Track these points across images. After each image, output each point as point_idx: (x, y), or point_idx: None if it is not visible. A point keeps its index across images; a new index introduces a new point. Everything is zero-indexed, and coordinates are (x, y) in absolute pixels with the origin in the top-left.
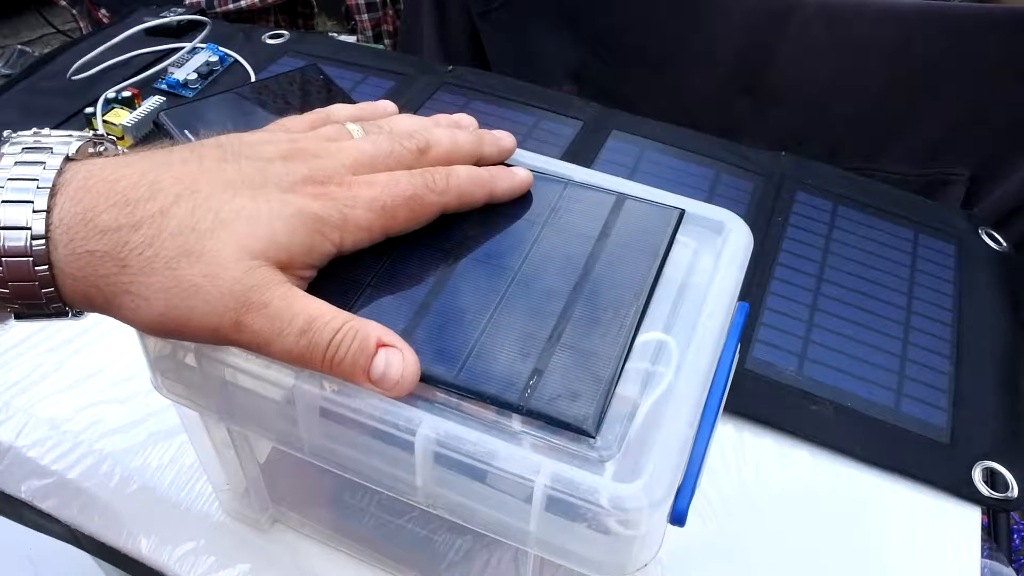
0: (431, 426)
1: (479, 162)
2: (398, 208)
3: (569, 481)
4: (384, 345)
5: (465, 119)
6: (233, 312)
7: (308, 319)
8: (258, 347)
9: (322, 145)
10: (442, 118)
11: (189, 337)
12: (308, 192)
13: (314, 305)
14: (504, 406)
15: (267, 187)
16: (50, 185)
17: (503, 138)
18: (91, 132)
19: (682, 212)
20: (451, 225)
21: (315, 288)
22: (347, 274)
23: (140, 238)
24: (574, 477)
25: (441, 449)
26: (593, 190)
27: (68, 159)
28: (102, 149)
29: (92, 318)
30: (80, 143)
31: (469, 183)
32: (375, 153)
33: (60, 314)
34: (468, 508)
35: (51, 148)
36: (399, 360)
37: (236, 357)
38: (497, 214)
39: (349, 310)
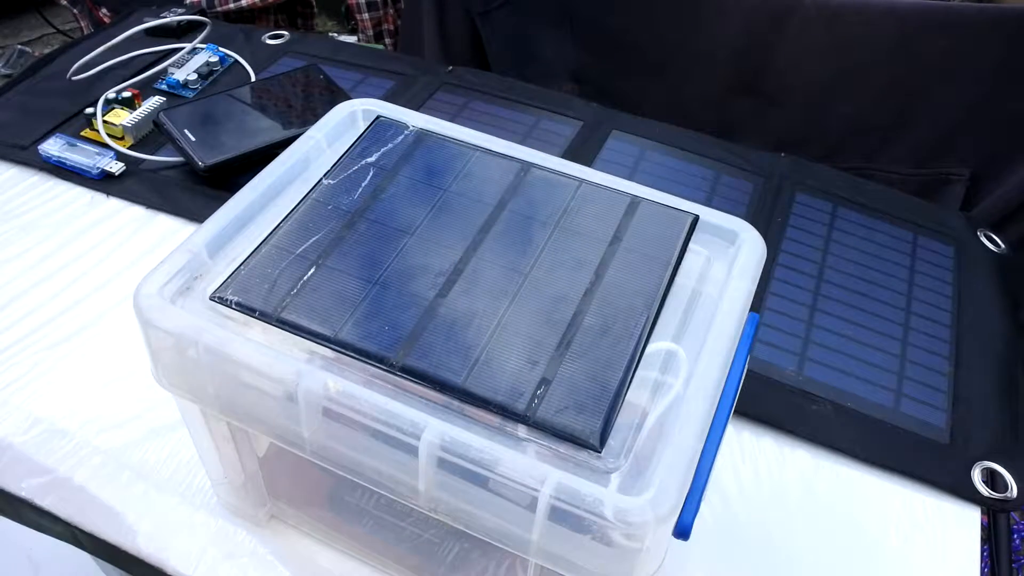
0: (435, 430)
1: None
2: None
3: (574, 492)
4: None
5: None
6: None
7: None
8: None
9: None
10: None
11: None
12: None
13: None
14: (510, 416)
15: None
16: None
17: None
18: None
19: (696, 218)
20: (460, 225)
21: (321, 288)
22: (354, 272)
23: None
24: (579, 488)
25: (445, 454)
26: (606, 191)
27: None
28: None
29: (89, 316)
30: None
31: None
32: None
33: None
34: (470, 514)
35: None
36: None
37: (239, 351)
38: (508, 213)
39: (356, 310)
